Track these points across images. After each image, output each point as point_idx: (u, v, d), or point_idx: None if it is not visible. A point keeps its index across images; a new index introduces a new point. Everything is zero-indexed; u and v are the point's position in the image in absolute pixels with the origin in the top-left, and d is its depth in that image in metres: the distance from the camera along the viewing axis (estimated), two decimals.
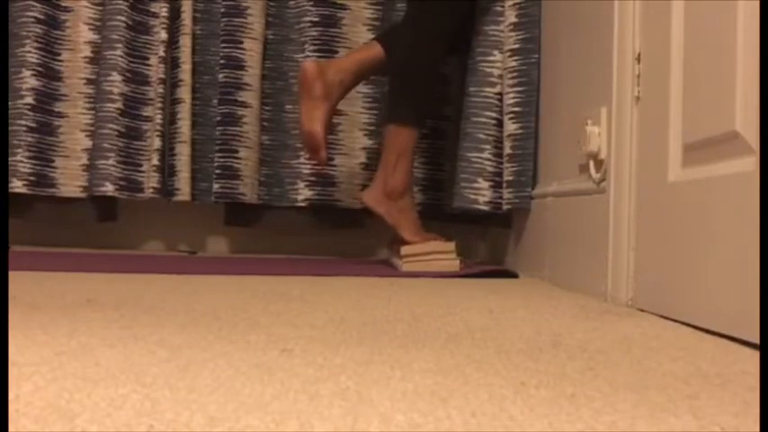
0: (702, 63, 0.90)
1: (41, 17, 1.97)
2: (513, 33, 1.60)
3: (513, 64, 1.60)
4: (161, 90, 1.96)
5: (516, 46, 1.59)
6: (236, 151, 1.95)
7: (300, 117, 1.62)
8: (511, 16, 1.60)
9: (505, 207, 1.63)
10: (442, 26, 1.61)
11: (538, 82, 1.58)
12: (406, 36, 1.62)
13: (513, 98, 1.60)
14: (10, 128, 1.94)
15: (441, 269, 1.52)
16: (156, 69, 1.98)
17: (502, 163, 1.64)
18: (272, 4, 2.02)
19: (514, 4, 1.60)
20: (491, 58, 1.64)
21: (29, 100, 1.95)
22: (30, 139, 1.96)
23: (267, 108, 2.01)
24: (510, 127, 1.60)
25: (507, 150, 1.61)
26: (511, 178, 1.61)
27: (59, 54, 2.01)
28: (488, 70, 1.64)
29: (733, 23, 0.81)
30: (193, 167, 1.99)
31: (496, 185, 1.65)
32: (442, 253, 1.54)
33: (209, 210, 2.10)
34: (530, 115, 1.58)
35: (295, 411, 0.45)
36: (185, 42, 1.97)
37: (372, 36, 1.97)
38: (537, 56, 1.58)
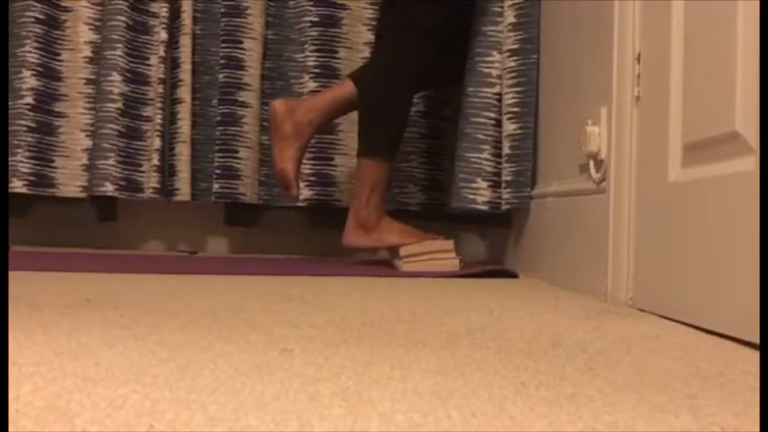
0: (702, 63, 0.90)
1: (41, 17, 1.97)
2: (511, 34, 1.60)
3: (512, 64, 1.60)
4: (161, 90, 1.96)
5: (515, 46, 1.59)
6: (236, 151, 1.95)
7: (273, 155, 1.67)
8: (510, 17, 1.60)
9: (504, 207, 1.63)
10: (415, 63, 1.62)
11: (537, 82, 1.58)
12: (374, 71, 1.64)
13: (512, 98, 1.60)
14: (10, 128, 1.94)
15: (441, 269, 1.52)
16: (156, 69, 1.98)
17: (500, 163, 1.64)
18: (272, 4, 2.02)
19: (513, 5, 1.60)
20: (490, 59, 1.64)
21: (29, 100, 1.95)
22: (30, 139, 1.96)
23: (267, 108, 2.01)
24: (509, 127, 1.60)
25: (506, 150, 1.61)
26: (510, 178, 1.61)
27: (59, 54, 2.01)
28: (487, 71, 1.64)
29: (733, 23, 0.81)
30: (193, 167, 1.99)
31: (495, 185, 1.65)
32: (441, 252, 1.54)
33: (209, 210, 2.10)
34: (529, 115, 1.58)
35: (295, 411, 0.45)
36: (185, 42, 1.97)
37: (371, 36, 1.97)
38: (536, 56, 1.58)
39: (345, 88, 1.67)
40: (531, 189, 1.60)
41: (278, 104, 1.65)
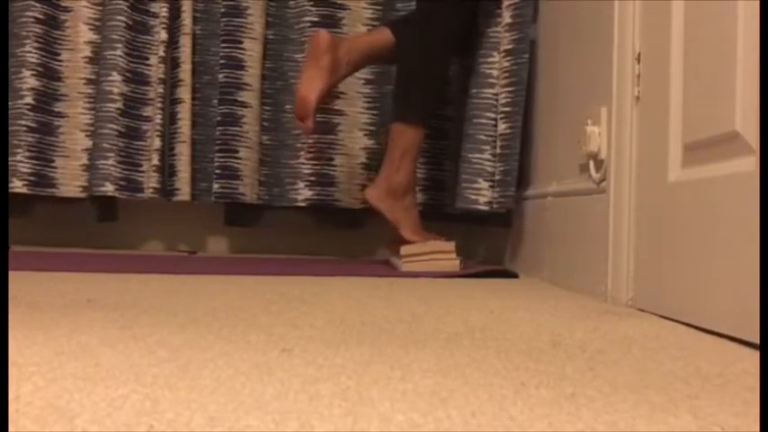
0: (702, 63, 0.90)
1: (41, 17, 1.97)
2: (507, 34, 1.60)
3: (506, 64, 1.60)
4: (161, 90, 1.96)
5: (509, 46, 1.59)
6: (236, 151, 1.95)
7: (299, 81, 1.62)
8: (506, 17, 1.60)
9: (494, 207, 1.62)
10: (451, 27, 1.62)
11: (528, 82, 1.58)
12: (417, 34, 1.63)
13: (505, 98, 1.60)
14: (10, 128, 1.94)
15: (441, 269, 1.52)
16: (156, 69, 1.98)
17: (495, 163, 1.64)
18: (272, 4, 2.02)
19: (510, 5, 1.60)
20: (491, 60, 1.64)
21: (29, 100, 1.95)
22: (30, 139, 1.96)
23: (267, 108, 2.01)
24: (500, 127, 1.60)
25: (497, 150, 1.61)
26: (498, 178, 1.61)
27: (59, 54, 2.01)
28: (488, 71, 1.64)
29: (733, 23, 0.81)
30: (193, 167, 1.99)
31: (495, 186, 1.65)
32: (441, 253, 1.54)
33: (209, 210, 2.10)
34: (517, 115, 1.58)
35: (295, 411, 0.45)
36: (185, 42, 1.97)
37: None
38: (527, 55, 1.57)
39: (383, 35, 1.65)
40: (515, 189, 1.59)
41: (323, 34, 1.61)
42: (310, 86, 1.60)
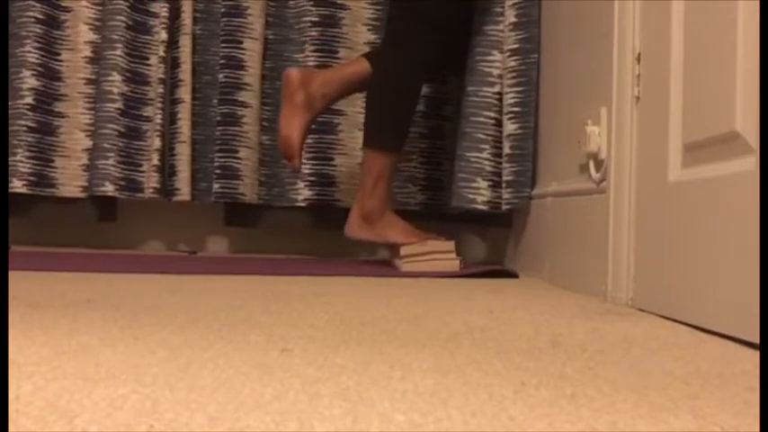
0: (702, 63, 0.90)
1: (41, 17, 1.97)
2: (512, 33, 1.60)
3: (513, 64, 1.60)
4: (161, 90, 1.96)
5: (516, 46, 1.59)
6: (236, 151, 1.95)
7: (280, 121, 1.65)
8: (510, 16, 1.60)
9: (504, 207, 1.63)
10: (418, 53, 1.60)
11: (537, 82, 1.58)
12: (382, 61, 1.63)
13: (513, 98, 1.60)
14: (10, 128, 1.94)
15: (441, 269, 1.52)
16: (156, 69, 1.98)
17: (500, 163, 1.64)
18: (272, 4, 2.02)
19: (514, 4, 1.60)
20: (490, 58, 1.64)
21: (29, 100, 1.95)
22: (30, 139, 1.96)
23: (267, 108, 2.01)
24: (509, 127, 1.60)
25: (506, 150, 1.61)
26: (510, 178, 1.61)
27: (59, 54, 2.01)
28: (487, 70, 1.64)
29: (733, 23, 0.81)
30: (193, 167, 1.99)
31: (495, 185, 1.65)
32: (441, 252, 1.54)
33: (209, 210, 2.10)
34: (529, 115, 1.58)
35: (295, 411, 0.45)
36: (185, 42, 1.97)
37: (371, 36, 1.97)
38: (536, 55, 1.58)
39: (361, 66, 1.66)
40: (531, 189, 1.60)
41: (293, 72, 1.64)
42: (290, 126, 1.63)
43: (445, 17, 1.62)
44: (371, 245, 2.10)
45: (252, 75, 1.97)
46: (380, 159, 1.58)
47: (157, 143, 1.95)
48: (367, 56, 1.69)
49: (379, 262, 1.81)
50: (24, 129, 1.95)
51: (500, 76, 1.64)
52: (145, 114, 2.01)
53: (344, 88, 1.68)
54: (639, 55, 1.07)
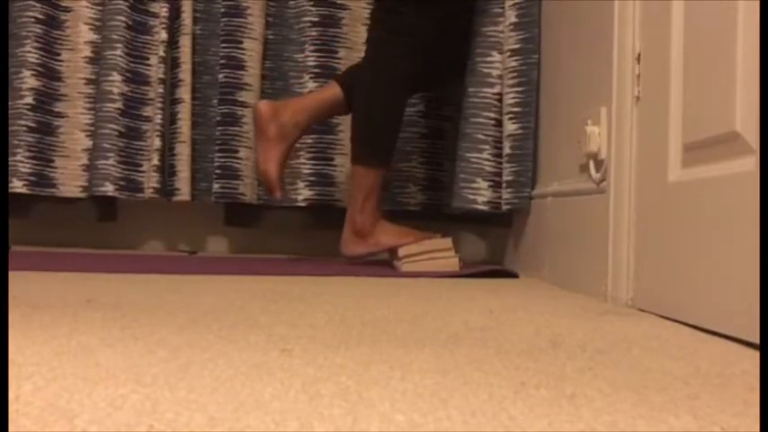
0: (702, 63, 0.90)
1: (41, 17, 1.97)
2: (513, 33, 1.60)
3: (513, 64, 1.60)
4: (161, 90, 1.96)
5: (516, 46, 1.59)
6: (236, 151, 1.95)
7: (256, 156, 1.67)
8: (511, 16, 1.60)
9: (505, 207, 1.63)
10: (399, 69, 1.61)
11: (537, 82, 1.58)
12: (364, 79, 1.63)
13: (513, 98, 1.60)
14: (10, 128, 1.94)
15: (441, 268, 1.52)
16: (156, 69, 1.98)
17: (501, 163, 1.64)
18: (272, 4, 2.02)
19: (514, 5, 1.60)
20: (490, 59, 1.64)
21: (29, 100, 1.95)
22: (30, 139, 1.96)
23: None
24: (509, 127, 1.60)
25: (507, 150, 1.61)
26: (510, 178, 1.61)
27: (59, 54, 2.01)
28: (487, 71, 1.64)
29: (733, 23, 0.81)
30: (193, 167, 1.99)
31: (495, 186, 1.65)
32: (440, 251, 1.54)
33: (209, 210, 2.10)
34: (529, 115, 1.58)
35: (295, 411, 0.45)
36: (185, 42, 1.97)
37: None
38: (537, 56, 1.58)
39: (331, 91, 1.68)
40: (531, 189, 1.60)
41: (262, 105, 1.65)
42: (267, 160, 1.65)
43: (428, 35, 1.62)
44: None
45: (252, 75, 1.97)
46: (369, 175, 1.59)
47: (157, 143, 1.95)
48: (338, 79, 1.70)
49: (379, 262, 1.81)
50: (24, 129, 1.95)
51: (500, 77, 1.64)
52: (145, 114, 2.01)
53: (316, 114, 1.69)
54: (639, 55, 1.07)
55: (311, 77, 1.95)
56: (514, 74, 1.60)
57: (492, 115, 1.64)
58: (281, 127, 1.64)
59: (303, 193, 1.96)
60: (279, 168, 1.65)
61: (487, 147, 1.65)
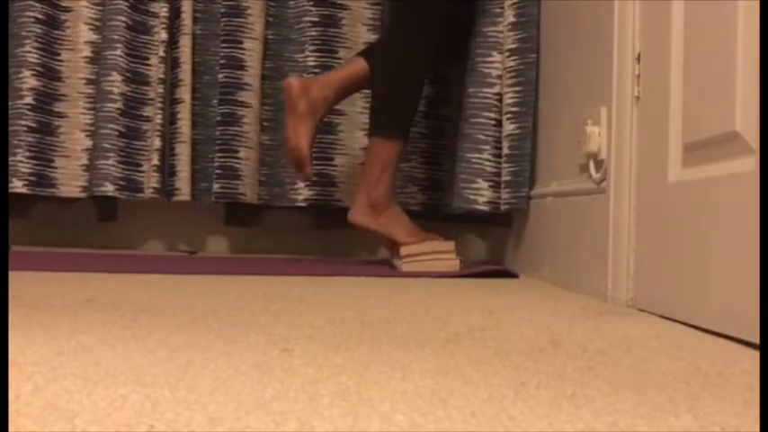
0: (702, 63, 0.90)
1: (41, 17, 1.97)
2: (511, 33, 1.60)
3: (512, 64, 1.60)
4: (161, 90, 1.96)
5: (514, 46, 1.59)
6: (236, 151, 1.95)
7: (286, 133, 1.66)
8: (509, 16, 1.60)
9: (503, 207, 1.63)
10: (423, 38, 1.61)
11: (536, 82, 1.58)
12: (388, 50, 1.63)
13: (512, 98, 1.60)
14: (10, 128, 1.94)
15: (441, 269, 1.52)
16: (156, 69, 1.98)
17: (500, 163, 1.64)
18: (272, 4, 2.02)
19: (513, 4, 1.60)
20: (490, 59, 1.64)
21: (29, 100, 1.95)
22: (30, 139, 1.96)
23: (267, 108, 2.01)
24: (508, 127, 1.60)
25: (505, 150, 1.61)
26: (508, 179, 1.61)
27: (59, 54, 2.01)
28: (487, 71, 1.64)
29: (733, 23, 0.81)
30: (193, 167, 1.99)
31: (496, 186, 1.65)
32: (441, 253, 1.54)
33: (209, 210, 2.10)
34: (527, 115, 1.58)
35: (295, 411, 0.45)
36: (185, 42, 1.97)
37: (371, 36, 1.97)
38: (535, 55, 1.58)
39: (357, 65, 1.67)
40: (529, 189, 1.60)
41: (293, 81, 1.65)
42: (297, 135, 1.63)
43: (445, 5, 1.62)
44: (371, 244, 2.10)
45: (252, 75, 1.97)
46: (387, 147, 1.58)
47: (157, 143, 1.95)
48: (363, 53, 1.70)
49: (379, 262, 1.81)
50: (24, 129, 1.95)
51: (499, 77, 1.64)
52: (145, 114, 2.01)
53: (344, 89, 1.68)
54: (639, 55, 1.07)
55: None
56: (513, 74, 1.60)
57: (492, 115, 1.64)
58: (312, 102, 1.63)
59: (303, 194, 1.96)
60: (309, 144, 1.64)
61: (488, 147, 1.65)
